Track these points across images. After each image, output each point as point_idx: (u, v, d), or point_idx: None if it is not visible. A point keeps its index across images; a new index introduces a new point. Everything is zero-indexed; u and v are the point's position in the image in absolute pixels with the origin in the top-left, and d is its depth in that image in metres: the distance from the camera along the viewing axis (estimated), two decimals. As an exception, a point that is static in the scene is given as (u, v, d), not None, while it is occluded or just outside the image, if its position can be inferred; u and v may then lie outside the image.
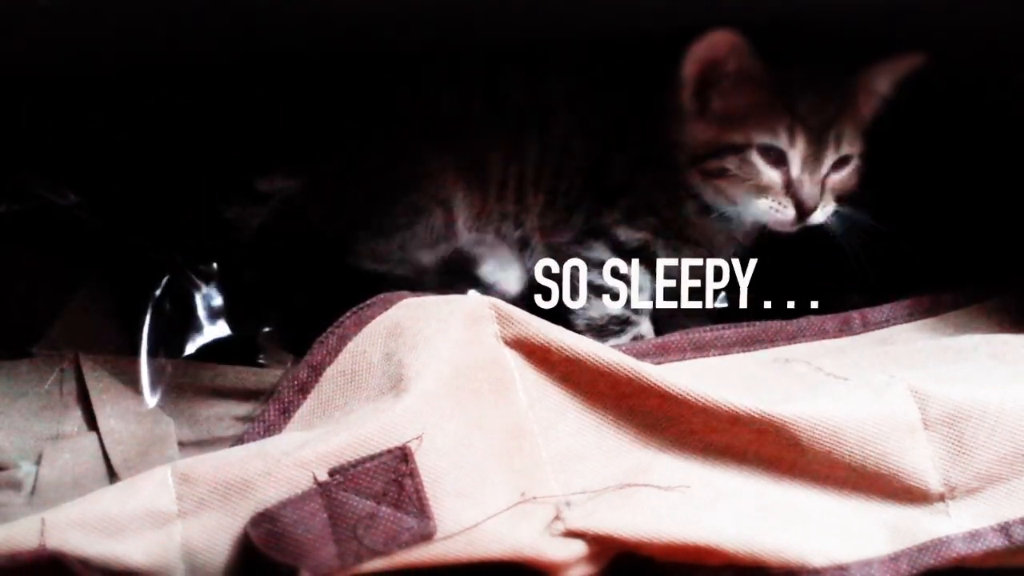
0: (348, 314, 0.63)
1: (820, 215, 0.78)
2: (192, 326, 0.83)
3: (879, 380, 0.60)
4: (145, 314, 0.81)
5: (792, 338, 0.75)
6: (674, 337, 0.73)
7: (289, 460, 0.52)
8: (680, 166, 0.81)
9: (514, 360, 0.60)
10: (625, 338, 0.82)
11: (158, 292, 0.82)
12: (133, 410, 0.73)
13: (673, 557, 0.56)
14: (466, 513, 0.52)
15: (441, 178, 0.85)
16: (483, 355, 0.59)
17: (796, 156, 0.77)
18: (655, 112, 0.82)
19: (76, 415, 0.72)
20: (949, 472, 0.57)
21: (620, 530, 0.55)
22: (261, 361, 0.80)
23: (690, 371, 0.63)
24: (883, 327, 0.76)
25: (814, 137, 0.76)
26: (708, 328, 0.75)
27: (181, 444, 0.71)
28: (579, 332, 0.83)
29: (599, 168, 0.85)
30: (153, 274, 0.83)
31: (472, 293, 0.63)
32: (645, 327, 0.84)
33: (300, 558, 0.48)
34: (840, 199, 0.80)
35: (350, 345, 0.61)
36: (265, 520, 0.50)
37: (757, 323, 0.77)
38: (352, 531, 0.50)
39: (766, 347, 0.73)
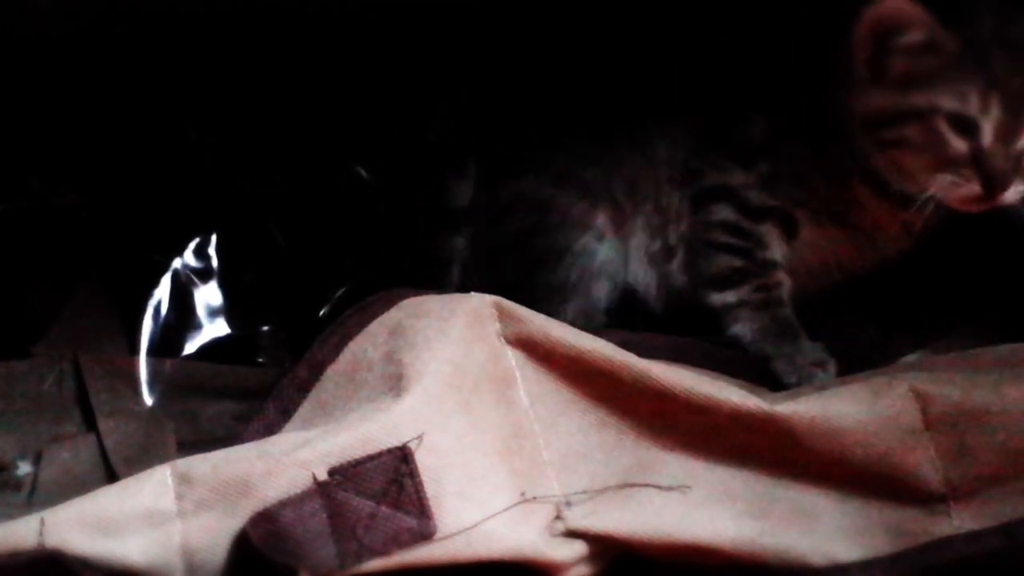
0: (349, 313, 0.63)
1: (1012, 193, 0.69)
2: (191, 325, 0.83)
3: (880, 380, 0.60)
4: (145, 314, 0.81)
5: None
6: (690, 342, 0.73)
7: (289, 460, 0.52)
8: (849, 135, 0.74)
9: (515, 359, 0.60)
10: (746, 288, 0.78)
11: (158, 292, 0.82)
12: (132, 410, 0.73)
13: (673, 557, 0.55)
14: (466, 513, 0.52)
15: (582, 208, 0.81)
16: (484, 354, 0.59)
17: (988, 125, 0.68)
18: (814, 74, 0.75)
19: (75, 415, 0.72)
20: (950, 473, 0.57)
21: (621, 530, 0.55)
22: (261, 361, 0.80)
23: (696, 373, 0.62)
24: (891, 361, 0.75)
25: (1012, 105, 0.68)
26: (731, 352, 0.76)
27: (180, 444, 0.71)
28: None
29: (732, 124, 0.79)
30: (153, 274, 0.83)
31: (474, 293, 0.62)
32: (779, 277, 0.79)
33: (299, 558, 0.48)
34: None
35: (351, 344, 0.60)
36: (264, 520, 0.50)
37: None
38: (352, 531, 0.50)
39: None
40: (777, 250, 0.79)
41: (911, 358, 0.75)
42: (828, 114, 0.75)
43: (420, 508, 0.51)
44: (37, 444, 0.69)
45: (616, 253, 0.82)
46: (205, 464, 0.52)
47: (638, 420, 0.59)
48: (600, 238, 0.82)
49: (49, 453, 0.68)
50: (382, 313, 0.62)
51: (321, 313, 0.87)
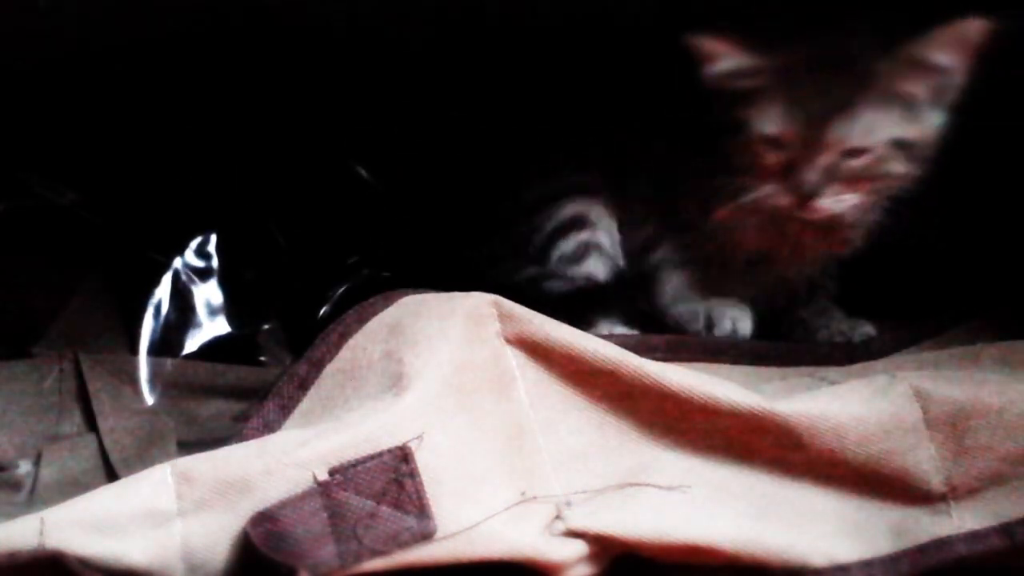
0: (350, 311, 0.63)
1: (828, 204, 0.74)
2: (192, 324, 0.83)
3: (881, 379, 0.60)
4: (145, 314, 0.81)
5: (800, 359, 0.75)
6: (688, 338, 0.73)
7: (289, 459, 0.52)
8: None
9: (515, 358, 0.60)
10: (662, 250, 0.84)
11: (158, 291, 0.83)
12: (132, 409, 0.73)
13: (674, 557, 0.55)
14: (466, 513, 0.52)
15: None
16: (484, 354, 0.59)
17: (792, 141, 0.73)
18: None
19: (75, 415, 0.72)
20: (951, 472, 0.57)
21: (621, 530, 0.55)
22: (262, 359, 0.80)
23: (695, 372, 0.62)
24: (889, 354, 0.76)
25: (814, 121, 0.72)
26: (725, 337, 0.77)
27: (181, 443, 0.71)
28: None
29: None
30: (153, 273, 0.83)
31: (474, 292, 0.63)
32: (695, 238, 0.83)
33: (300, 558, 0.48)
34: (875, 192, 0.75)
35: (351, 342, 0.60)
36: (265, 519, 0.50)
37: (771, 341, 0.79)
38: (352, 531, 0.50)
39: (775, 365, 0.74)
40: (691, 215, 0.83)
41: (909, 356, 0.75)
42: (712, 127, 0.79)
43: (420, 508, 0.51)
44: (37, 444, 0.69)
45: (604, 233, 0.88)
46: (205, 463, 0.52)
47: (638, 420, 0.59)
48: (594, 222, 0.88)
49: (49, 453, 0.68)
50: (382, 311, 0.62)
51: (321, 313, 0.88)
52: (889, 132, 0.73)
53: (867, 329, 0.82)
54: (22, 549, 0.47)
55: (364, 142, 0.95)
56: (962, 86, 0.73)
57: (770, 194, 0.75)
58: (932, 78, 0.73)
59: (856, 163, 0.74)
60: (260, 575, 0.48)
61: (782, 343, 0.80)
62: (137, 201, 0.87)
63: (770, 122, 0.74)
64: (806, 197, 0.74)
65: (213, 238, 0.86)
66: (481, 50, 0.86)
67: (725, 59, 0.74)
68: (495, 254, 0.89)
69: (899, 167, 0.75)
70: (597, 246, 0.86)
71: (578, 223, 0.86)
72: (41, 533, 0.48)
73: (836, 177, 0.74)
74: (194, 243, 0.86)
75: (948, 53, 0.72)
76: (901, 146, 0.74)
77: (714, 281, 0.84)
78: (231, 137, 0.90)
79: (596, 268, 0.86)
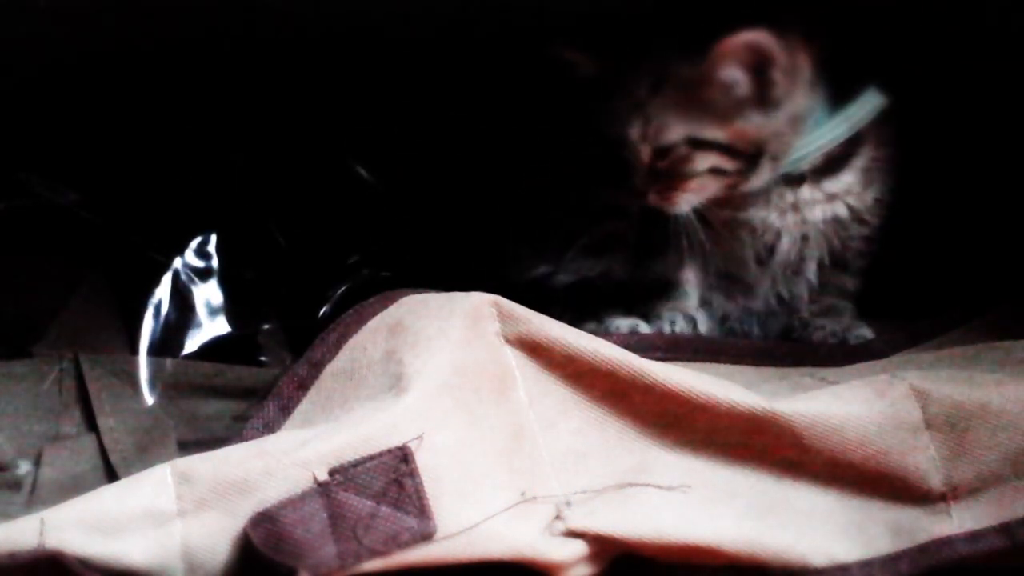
0: (349, 311, 0.63)
1: (655, 200, 0.77)
2: (192, 324, 0.83)
3: (881, 379, 0.60)
4: (145, 313, 0.81)
5: (800, 359, 0.76)
6: (686, 336, 0.73)
7: (289, 459, 0.52)
8: None
9: (515, 358, 0.60)
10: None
11: (158, 291, 0.83)
12: (132, 409, 0.73)
13: (674, 557, 0.55)
14: (466, 513, 0.52)
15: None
16: (484, 354, 0.59)
17: (619, 141, 0.77)
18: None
19: (75, 415, 0.72)
20: (951, 472, 0.57)
21: (621, 530, 0.55)
22: (262, 359, 0.80)
23: (695, 371, 0.63)
24: (888, 354, 0.77)
25: (623, 123, 0.76)
26: (723, 335, 0.78)
27: (180, 443, 0.71)
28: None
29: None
30: (153, 273, 0.83)
31: (474, 292, 0.63)
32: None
33: (300, 558, 0.48)
34: (711, 189, 0.77)
35: (351, 342, 0.61)
36: (265, 520, 0.50)
37: (771, 340, 0.80)
38: (352, 531, 0.50)
39: (775, 364, 0.74)
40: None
41: (908, 356, 0.75)
42: None
43: (420, 508, 0.51)
44: (37, 444, 0.69)
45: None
46: (205, 463, 0.52)
47: (638, 419, 0.59)
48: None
49: (49, 453, 0.68)
50: (381, 311, 0.62)
51: (321, 313, 0.88)
52: (682, 132, 0.74)
53: (863, 332, 0.82)
54: (22, 549, 0.47)
55: (364, 142, 0.95)
56: (787, 86, 0.74)
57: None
58: (729, 87, 0.74)
59: (663, 162, 0.76)
60: (260, 575, 0.48)
61: (782, 343, 0.81)
62: (137, 201, 0.87)
63: (604, 122, 0.78)
64: (640, 193, 0.78)
65: (213, 238, 0.86)
66: (480, 49, 0.86)
67: (583, 67, 0.79)
68: (502, 253, 0.90)
69: (722, 163, 0.75)
70: (624, 240, 0.87)
71: (614, 212, 0.87)
72: (41, 533, 0.48)
73: (657, 175, 0.77)
74: (194, 243, 0.85)
75: (728, 67, 0.73)
76: (705, 145, 0.75)
77: (729, 286, 0.84)
78: (231, 137, 0.90)
79: (617, 263, 0.87)
